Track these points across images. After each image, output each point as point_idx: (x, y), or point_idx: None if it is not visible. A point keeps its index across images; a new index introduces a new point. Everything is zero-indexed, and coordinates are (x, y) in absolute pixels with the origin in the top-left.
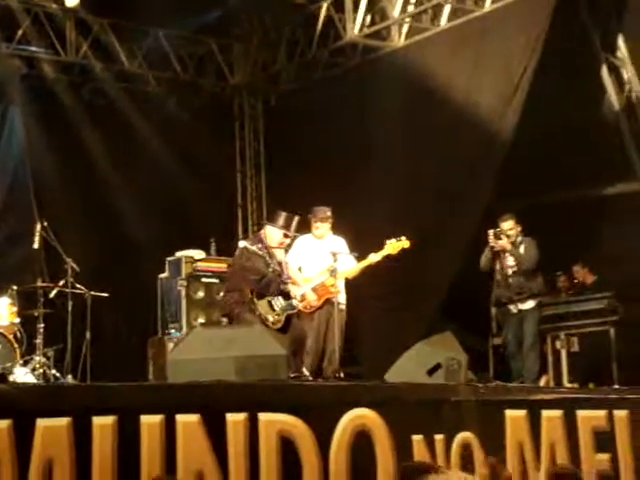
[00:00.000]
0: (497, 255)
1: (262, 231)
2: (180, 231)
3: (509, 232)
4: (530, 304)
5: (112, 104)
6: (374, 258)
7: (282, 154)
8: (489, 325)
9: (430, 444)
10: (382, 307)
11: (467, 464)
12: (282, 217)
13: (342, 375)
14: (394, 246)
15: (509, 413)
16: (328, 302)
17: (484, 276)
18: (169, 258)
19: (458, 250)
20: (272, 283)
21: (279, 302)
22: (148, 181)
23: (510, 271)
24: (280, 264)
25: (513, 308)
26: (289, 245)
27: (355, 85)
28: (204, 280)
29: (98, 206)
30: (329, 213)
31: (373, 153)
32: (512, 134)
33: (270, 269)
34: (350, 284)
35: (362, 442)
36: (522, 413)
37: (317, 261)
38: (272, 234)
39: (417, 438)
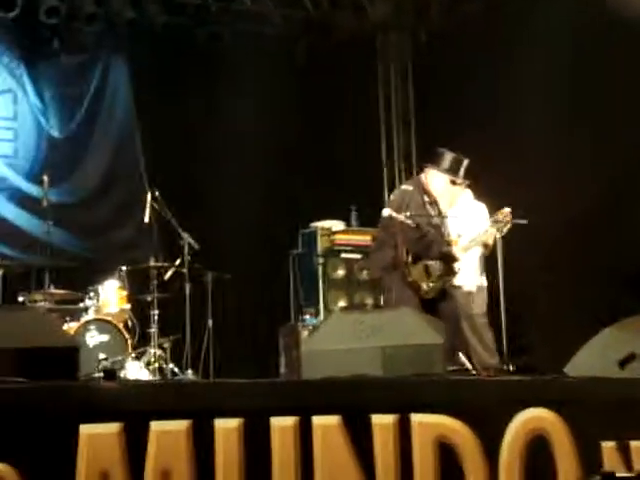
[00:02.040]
0: None
1: (423, 175)
2: (315, 198)
3: None
4: None
5: (232, 50)
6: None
7: (437, 102)
8: None
9: (624, 452)
10: (554, 281)
11: None
12: (448, 158)
13: (512, 368)
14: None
15: None
16: None
17: None
18: (302, 230)
19: None
20: (434, 244)
21: (436, 266)
22: (276, 140)
23: None
24: (443, 218)
25: None
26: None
27: (526, 15)
28: (344, 256)
29: (218, 171)
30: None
31: (549, 101)
32: None
33: (432, 224)
34: (510, 253)
35: (538, 449)
36: None
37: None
38: (435, 179)
39: (607, 445)
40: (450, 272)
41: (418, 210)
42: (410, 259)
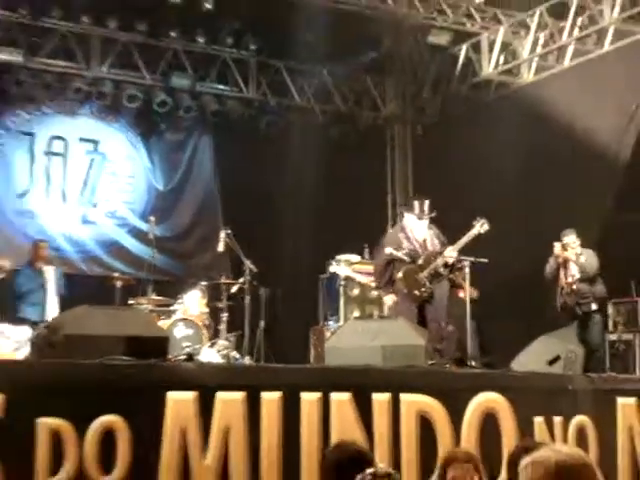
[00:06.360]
0: None
1: (403, 218)
2: (340, 239)
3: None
4: None
5: (284, 134)
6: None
7: (429, 178)
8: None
9: (549, 425)
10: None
11: (581, 444)
12: (416, 203)
13: (473, 363)
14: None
15: (620, 400)
16: None
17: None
18: (329, 261)
19: None
20: (413, 254)
21: (421, 275)
22: (313, 199)
23: None
24: (424, 241)
25: None
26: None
27: (491, 118)
28: (359, 280)
29: (274, 218)
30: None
31: (507, 182)
32: (629, 156)
33: (412, 250)
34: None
35: (489, 421)
36: (631, 400)
37: None
38: (409, 219)
39: (538, 420)
40: (434, 276)
41: (396, 243)
42: (401, 275)
